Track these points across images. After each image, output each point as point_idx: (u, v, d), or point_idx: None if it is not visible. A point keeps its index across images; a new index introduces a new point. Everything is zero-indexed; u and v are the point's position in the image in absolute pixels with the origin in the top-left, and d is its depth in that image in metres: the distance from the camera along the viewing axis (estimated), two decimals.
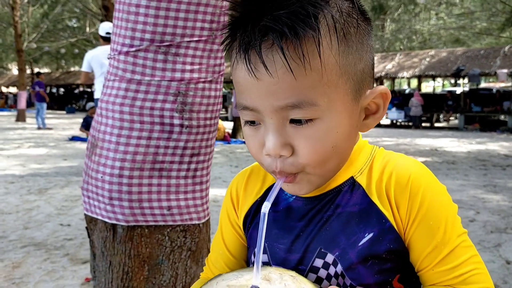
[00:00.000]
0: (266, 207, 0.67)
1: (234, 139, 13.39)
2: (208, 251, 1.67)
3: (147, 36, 1.45)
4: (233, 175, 7.36)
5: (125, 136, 1.47)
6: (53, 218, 4.73)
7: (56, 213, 4.96)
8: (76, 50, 28.76)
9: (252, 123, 0.71)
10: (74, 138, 12.52)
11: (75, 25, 24.94)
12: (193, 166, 1.57)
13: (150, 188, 1.50)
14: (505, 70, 18.71)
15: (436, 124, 21.98)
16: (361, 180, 0.76)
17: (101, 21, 14.45)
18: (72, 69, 37.34)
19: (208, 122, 1.58)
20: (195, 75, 1.51)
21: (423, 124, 21.16)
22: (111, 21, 6.43)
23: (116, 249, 1.52)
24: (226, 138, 13.04)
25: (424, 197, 0.71)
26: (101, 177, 1.49)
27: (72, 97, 33.66)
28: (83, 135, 12.29)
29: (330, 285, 0.73)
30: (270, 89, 0.66)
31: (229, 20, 0.71)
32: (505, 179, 7.34)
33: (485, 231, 4.43)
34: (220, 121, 13.59)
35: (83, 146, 11.13)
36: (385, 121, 22.83)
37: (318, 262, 0.74)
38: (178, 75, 1.49)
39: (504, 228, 4.54)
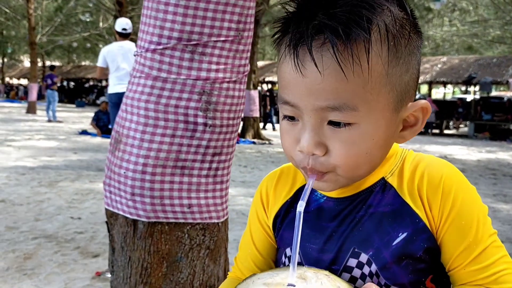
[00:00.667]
0: (301, 206, 0.68)
1: (243, 139, 13.40)
2: (226, 251, 1.68)
3: (175, 34, 1.46)
4: (242, 175, 7.37)
5: (149, 133, 1.48)
6: (64, 211, 4.76)
7: (66, 206, 5.00)
8: (88, 45, 28.92)
9: (290, 118, 0.72)
10: (83, 132, 12.60)
11: (88, 20, 25.08)
12: (214, 165, 1.57)
13: (172, 185, 1.50)
14: None
15: (446, 131, 21.86)
16: (392, 181, 0.77)
17: (115, 16, 14.54)
18: (83, 63, 37.58)
19: (231, 122, 1.58)
20: (220, 74, 1.52)
21: (433, 131, 21.07)
22: (125, 16, 6.43)
23: (136, 244, 1.53)
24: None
25: (456, 197, 0.72)
26: (124, 172, 1.50)
27: (82, 91, 33.88)
28: (93, 130, 12.36)
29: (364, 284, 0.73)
30: (313, 88, 0.66)
31: (283, 14, 0.71)
32: None
33: None
34: None
35: (92, 140, 11.20)
36: None
37: (352, 262, 0.75)
38: (203, 74, 1.50)
39: None
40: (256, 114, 13.81)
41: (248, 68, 1.64)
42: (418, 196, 0.74)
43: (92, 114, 12.69)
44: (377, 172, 0.78)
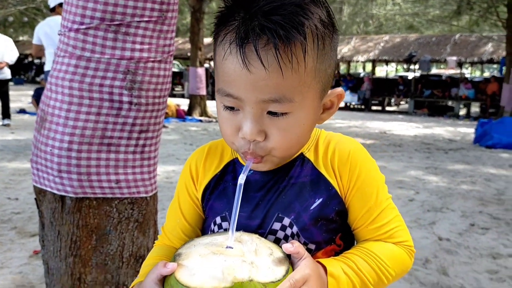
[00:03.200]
0: (242, 179, 0.80)
1: (189, 117, 13.34)
2: (155, 223, 1.76)
3: (98, 14, 1.49)
4: (187, 153, 7.40)
5: (74, 111, 1.52)
6: (0, 192, 4.65)
7: (3, 187, 4.88)
8: (25, 19, 27.45)
9: (231, 108, 0.81)
10: (22, 111, 12.11)
11: None
12: (141, 142, 1.64)
13: (98, 162, 1.56)
14: (455, 58, 19.47)
15: (388, 108, 22.67)
16: (309, 156, 0.91)
17: None
18: (20, 38, 35.66)
19: (156, 100, 1.65)
20: (145, 54, 1.57)
21: (375, 108, 21.80)
22: None
23: (65, 219, 1.58)
24: (180, 115, 12.97)
25: (361, 169, 0.87)
26: (50, 150, 1.54)
27: (20, 67, 32.24)
28: (31, 109, 11.90)
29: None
30: (258, 83, 0.75)
31: (218, 11, 0.80)
32: (446, 162, 7.77)
33: (422, 210, 4.74)
34: (168, 99, 13.48)
35: (31, 119, 10.81)
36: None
37: (276, 225, 0.87)
38: (127, 54, 1.54)
39: (440, 207, 4.86)
40: (203, 92, 13.74)
41: (173, 48, 1.70)
42: (331, 168, 0.88)
43: (31, 92, 12.20)
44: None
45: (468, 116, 18.91)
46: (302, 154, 0.91)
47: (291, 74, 0.75)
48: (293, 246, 0.78)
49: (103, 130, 1.54)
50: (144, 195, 1.68)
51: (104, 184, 1.58)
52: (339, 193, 0.87)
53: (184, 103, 15.40)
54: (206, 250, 0.78)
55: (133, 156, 1.63)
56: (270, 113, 0.78)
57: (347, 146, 0.90)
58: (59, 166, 1.53)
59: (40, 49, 6.49)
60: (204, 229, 0.98)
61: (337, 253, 0.88)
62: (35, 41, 6.36)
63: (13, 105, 13.87)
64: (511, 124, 9.73)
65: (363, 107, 21.37)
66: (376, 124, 14.47)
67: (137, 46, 1.55)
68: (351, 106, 21.80)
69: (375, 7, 28.38)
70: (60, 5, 6.19)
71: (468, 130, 13.09)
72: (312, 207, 0.86)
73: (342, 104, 23.81)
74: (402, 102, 23.47)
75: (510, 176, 6.70)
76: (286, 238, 0.86)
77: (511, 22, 15.00)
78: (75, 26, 1.51)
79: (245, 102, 0.77)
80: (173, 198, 1.01)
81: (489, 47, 19.68)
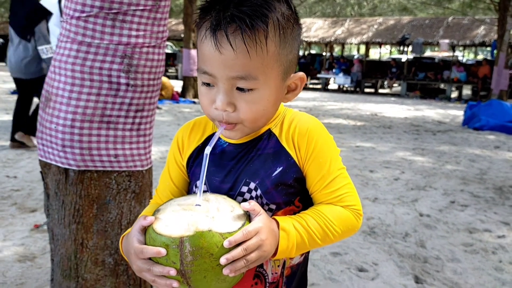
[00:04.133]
0: (208, 150, 0.97)
1: (183, 99, 13.43)
2: (150, 194, 1.93)
3: (97, 3, 1.64)
4: None
5: (77, 92, 1.68)
6: None
7: (1, 165, 5.02)
8: None
9: (207, 84, 0.98)
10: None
11: None
12: (137, 120, 1.80)
13: (99, 138, 1.72)
14: (447, 40, 19.59)
15: (380, 90, 22.83)
16: (275, 131, 1.07)
17: None
18: None
19: (151, 82, 1.80)
20: (140, 40, 1.72)
21: (368, 90, 21.94)
22: None
23: (68, 190, 1.75)
24: (174, 97, 13.07)
25: (316, 143, 1.03)
26: (55, 127, 1.70)
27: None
28: None
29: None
30: (228, 63, 0.92)
31: (200, 4, 0.98)
32: (433, 143, 7.98)
33: (406, 188, 4.94)
34: (168, 80, 13.56)
35: None
36: (332, 85, 23.44)
37: (244, 189, 1.04)
38: (125, 39, 1.69)
39: (423, 186, 5.07)
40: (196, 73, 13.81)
41: (166, 34, 1.85)
42: (291, 142, 1.04)
43: None
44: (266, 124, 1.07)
45: (459, 98, 19.11)
46: (269, 129, 1.06)
47: (256, 56, 0.91)
48: (250, 205, 0.93)
49: (103, 109, 1.70)
50: (140, 168, 1.84)
51: (104, 158, 1.74)
52: (297, 163, 1.03)
53: (178, 85, 15.46)
54: (178, 207, 0.95)
55: (130, 133, 1.79)
56: (238, 89, 0.95)
57: (306, 123, 1.05)
58: (63, 141, 1.69)
59: None
60: (188, 191, 1.17)
61: (295, 213, 1.03)
62: None
63: (6, 86, 13.91)
64: (498, 107, 9.94)
65: (356, 89, 21.51)
66: (368, 106, 14.64)
67: (133, 33, 1.70)
68: (344, 89, 21.93)
69: None
70: None
71: (458, 113, 13.30)
72: (274, 174, 1.02)
73: (335, 86, 23.78)
74: (395, 85, 23.63)
75: (494, 157, 6.92)
76: (252, 199, 1.02)
77: (502, 5, 15.10)
78: (77, 14, 1.66)
79: (218, 78, 0.94)
80: (165, 166, 1.19)
81: (482, 30, 19.80)
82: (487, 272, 3.01)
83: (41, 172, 1.84)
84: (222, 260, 0.86)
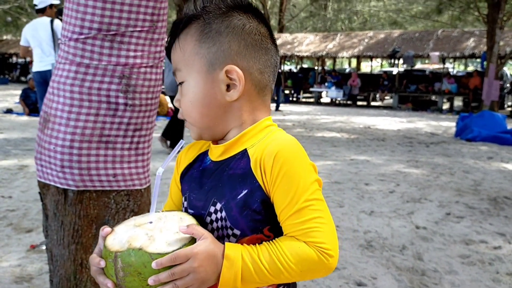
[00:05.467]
0: (159, 170, 1.00)
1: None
2: (149, 212, 1.94)
3: (95, 25, 1.66)
4: None
5: (75, 112, 1.69)
6: None
7: None
8: (9, 18, 27.23)
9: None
10: (9, 111, 12.13)
11: None
12: (136, 139, 1.81)
13: (97, 158, 1.73)
14: (437, 53, 19.80)
15: (373, 103, 22.99)
16: (251, 152, 1.00)
17: None
18: (4, 37, 35.32)
19: (149, 101, 1.82)
20: (138, 60, 1.74)
21: (360, 103, 22.10)
22: None
23: (67, 210, 1.75)
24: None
25: (281, 167, 0.94)
26: (54, 147, 1.71)
27: (5, 67, 31.99)
28: (17, 109, 11.92)
29: (218, 227, 1.00)
30: (173, 59, 1.07)
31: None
32: (427, 155, 8.03)
33: (402, 201, 4.96)
34: (163, 97, 13.58)
35: (19, 119, 10.86)
36: (325, 99, 23.59)
37: (212, 209, 1.01)
38: (122, 60, 1.71)
39: (418, 198, 5.09)
40: None
41: (163, 54, 1.87)
42: (259, 164, 0.98)
43: (17, 91, 12.25)
44: (244, 144, 1.04)
45: (451, 110, 19.28)
46: (245, 149, 1.01)
47: (179, 52, 1.04)
48: (187, 228, 0.91)
49: (101, 129, 1.71)
50: (139, 187, 1.85)
51: (103, 178, 1.75)
52: (263, 187, 0.96)
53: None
54: (133, 222, 0.96)
55: (129, 152, 1.80)
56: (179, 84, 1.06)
57: (277, 145, 0.96)
58: (62, 162, 1.70)
59: (27, 50, 6.60)
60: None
61: (263, 242, 0.96)
62: (22, 42, 6.48)
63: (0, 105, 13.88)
64: (490, 118, 10.04)
65: (349, 102, 21.65)
66: (361, 119, 14.73)
67: (131, 53, 1.72)
68: (337, 102, 22.06)
69: (359, 4, 28.67)
70: (51, 6, 6.29)
71: (450, 124, 13.40)
72: (239, 197, 0.97)
73: (328, 100, 23.86)
74: (386, 97, 23.80)
75: (487, 167, 6.98)
76: (217, 221, 0.99)
77: (491, 17, 15.35)
78: (75, 36, 1.68)
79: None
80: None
81: (471, 42, 20.04)
82: (485, 283, 3.02)
83: (39, 193, 1.84)
84: (150, 281, 0.85)
